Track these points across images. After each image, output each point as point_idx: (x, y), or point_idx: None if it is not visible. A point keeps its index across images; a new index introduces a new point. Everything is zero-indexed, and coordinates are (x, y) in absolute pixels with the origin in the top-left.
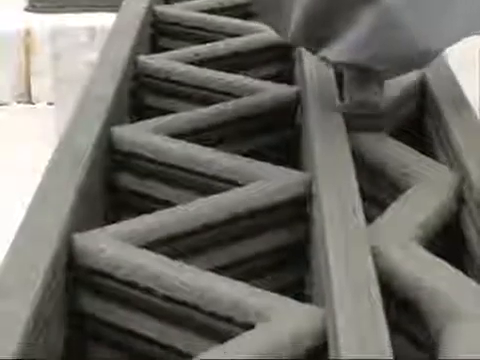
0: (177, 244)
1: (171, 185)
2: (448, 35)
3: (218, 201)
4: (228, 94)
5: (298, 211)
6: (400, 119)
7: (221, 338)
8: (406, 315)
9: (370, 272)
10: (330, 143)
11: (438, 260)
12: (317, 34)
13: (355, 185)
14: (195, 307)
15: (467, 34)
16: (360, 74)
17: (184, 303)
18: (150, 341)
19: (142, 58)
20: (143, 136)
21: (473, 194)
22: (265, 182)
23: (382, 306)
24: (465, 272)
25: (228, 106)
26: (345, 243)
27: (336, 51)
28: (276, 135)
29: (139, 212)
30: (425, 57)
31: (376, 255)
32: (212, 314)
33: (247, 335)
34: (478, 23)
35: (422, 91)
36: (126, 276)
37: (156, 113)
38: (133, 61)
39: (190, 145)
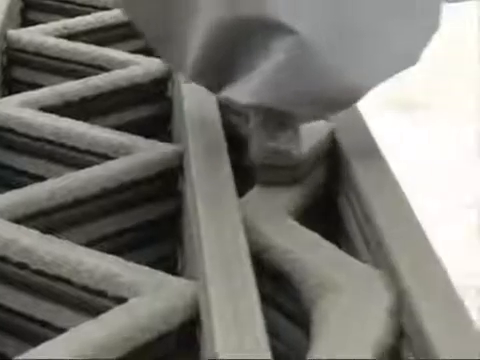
0: (49, 218)
1: (42, 159)
2: (374, 72)
3: (89, 175)
4: (99, 67)
5: (170, 184)
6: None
7: (95, 312)
8: (279, 288)
9: (242, 246)
10: (202, 116)
11: (311, 233)
12: (218, 71)
13: (227, 158)
14: (68, 281)
15: (396, 71)
16: (270, 118)
17: (57, 277)
18: (24, 316)
19: (11, 32)
20: (13, 110)
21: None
22: (136, 155)
23: (254, 279)
24: (339, 247)
25: (100, 79)
26: (217, 217)
27: (241, 91)
28: (148, 108)
29: (10, 187)
30: (349, 96)
31: (248, 229)
32: (84, 288)
33: (120, 309)
34: (408, 60)
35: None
36: None
37: (27, 87)
38: (3, 35)
39: (61, 119)
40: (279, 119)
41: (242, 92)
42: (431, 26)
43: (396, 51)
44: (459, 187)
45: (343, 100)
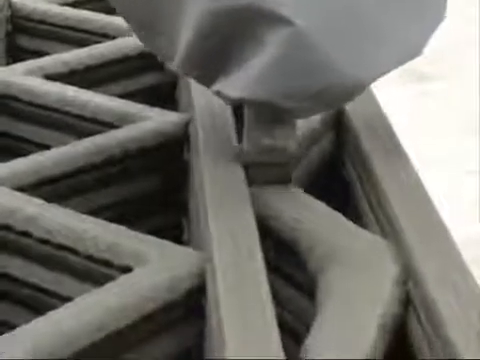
0: (53, 187)
1: (47, 127)
2: (378, 64)
3: (94, 144)
4: (104, 35)
5: (175, 153)
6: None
7: (100, 281)
8: (286, 257)
9: (248, 214)
10: None
11: (318, 202)
12: (210, 63)
13: (233, 127)
14: (72, 250)
15: (400, 63)
16: (264, 113)
17: (61, 246)
18: (29, 285)
19: (16, 0)
20: (18, 78)
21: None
22: (142, 124)
23: (260, 248)
24: (345, 215)
25: (105, 47)
26: (223, 186)
27: (233, 85)
28: (154, 76)
29: (15, 155)
30: (349, 89)
31: (254, 196)
32: (89, 257)
33: (125, 278)
34: (412, 51)
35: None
36: (2, 220)
37: (32, 55)
38: (7, 3)
39: (66, 87)
40: (274, 114)
41: (234, 86)
42: (436, 16)
43: (400, 42)
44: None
45: (343, 94)
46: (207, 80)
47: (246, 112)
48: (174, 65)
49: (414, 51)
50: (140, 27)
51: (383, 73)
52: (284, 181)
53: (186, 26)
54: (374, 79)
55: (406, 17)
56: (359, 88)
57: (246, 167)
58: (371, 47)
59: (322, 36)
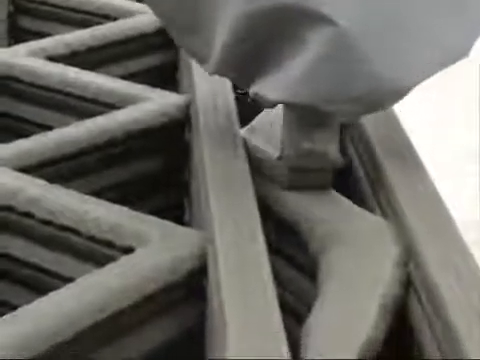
0: (55, 168)
1: (49, 109)
2: (421, 67)
3: (95, 125)
4: (106, 17)
5: (177, 134)
6: None
7: (102, 263)
8: (287, 238)
9: (250, 195)
10: None
11: None
12: (247, 64)
13: (234, 106)
14: (74, 231)
15: (445, 65)
16: (305, 116)
17: (63, 227)
18: (30, 266)
19: None
20: (20, 59)
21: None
22: (143, 105)
23: (262, 229)
24: (348, 197)
25: (107, 29)
26: (224, 166)
27: (273, 86)
28: (155, 58)
29: (17, 136)
30: (392, 93)
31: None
32: (91, 238)
33: (127, 258)
34: (456, 53)
35: None
36: (5, 201)
37: (34, 36)
38: None
39: (68, 68)
40: (314, 117)
41: (274, 87)
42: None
43: (445, 45)
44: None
45: (386, 98)
46: (244, 82)
47: (285, 114)
48: (209, 67)
49: (458, 53)
50: (176, 29)
51: (426, 76)
52: (323, 187)
53: (221, 29)
54: (417, 83)
55: (449, 19)
56: (401, 92)
57: (283, 172)
58: (413, 49)
59: (365, 38)
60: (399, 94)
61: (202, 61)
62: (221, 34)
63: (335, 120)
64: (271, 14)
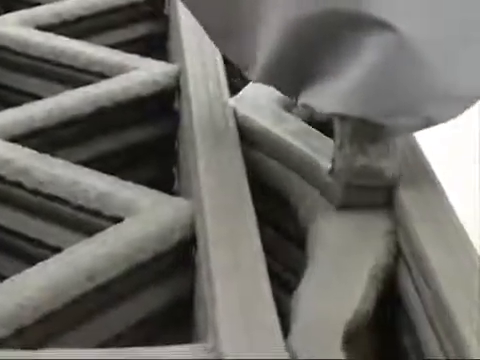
0: (44, 137)
1: (38, 78)
2: None
3: (85, 94)
4: None
5: (166, 103)
6: None
7: (90, 232)
8: (277, 207)
9: (239, 163)
10: (200, 34)
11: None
12: (296, 72)
13: (224, 76)
14: (63, 200)
15: None
16: (360, 130)
17: (52, 197)
18: (20, 235)
19: None
20: (10, 29)
21: None
22: (133, 74)
23: (251, 198)
24: None
25: None
26: (213, 135)
27: (326, 97)
28: (145, 27)
29: (6, 105)
30: (455, 106)
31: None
32: (80, 207)
33: (115, 228)
34: None
35: None
36: None
37: (23, 5)
38: None
39: (58, 38)
40: (370, 131)
41: (327, 98)
42: None
43: None
44: None
45: (447, 111)
46: (291, 90)
47: (337, 127)
48: (252, 74)
49: None
50: (217, 35)
51: None
52: (380, 206)
53: (267, 35)
54: None
55: None
56: (465, 104)
57: (335, 189)
58: (478, 59)
59: (427, 45)
60: (461, 108)
61: (243, 67)
62: (267, 40)
63: (387, 134)
64: (323, 19)
